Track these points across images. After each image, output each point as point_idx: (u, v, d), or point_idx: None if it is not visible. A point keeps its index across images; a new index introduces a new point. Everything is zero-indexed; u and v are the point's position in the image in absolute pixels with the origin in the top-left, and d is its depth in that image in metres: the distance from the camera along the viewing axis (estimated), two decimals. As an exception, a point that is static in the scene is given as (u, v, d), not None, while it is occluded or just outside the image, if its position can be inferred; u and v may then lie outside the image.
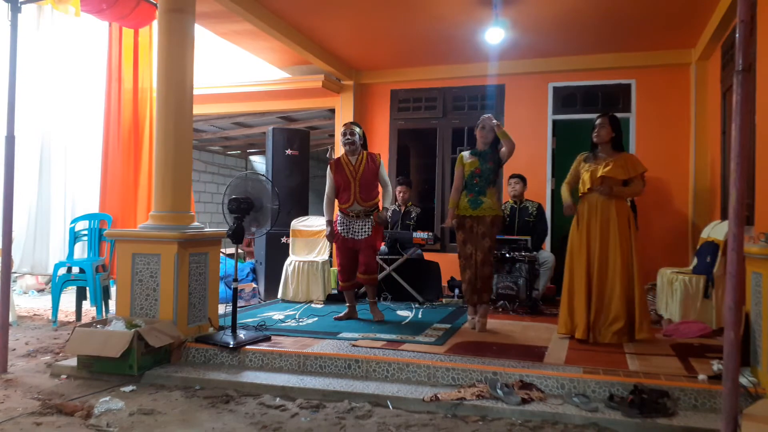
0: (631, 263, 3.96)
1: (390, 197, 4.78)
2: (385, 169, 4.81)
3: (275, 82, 7.55)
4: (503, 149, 4.34)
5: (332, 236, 4.82)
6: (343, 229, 4.72)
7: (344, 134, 4.70)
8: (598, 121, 4.11)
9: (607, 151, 4.09)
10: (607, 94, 6.85)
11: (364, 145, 4.82)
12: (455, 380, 3.34)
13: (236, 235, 3.93)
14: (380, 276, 5.49)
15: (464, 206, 4.43)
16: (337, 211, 4.87)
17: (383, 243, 5.02)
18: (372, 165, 4.71)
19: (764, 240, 3.04)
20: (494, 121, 4.38)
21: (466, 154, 4.53)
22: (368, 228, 4.66)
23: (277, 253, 6.25)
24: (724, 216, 5.40)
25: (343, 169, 4.71)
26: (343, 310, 4.96)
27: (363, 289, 5.78)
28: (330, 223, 4.83)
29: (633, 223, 4.07)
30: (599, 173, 4.00)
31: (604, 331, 3.92)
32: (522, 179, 5.94)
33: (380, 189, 4.81)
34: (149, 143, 5.60)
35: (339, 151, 7.68)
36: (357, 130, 4.73)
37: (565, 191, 4.25)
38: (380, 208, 4.80)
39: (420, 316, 5.05)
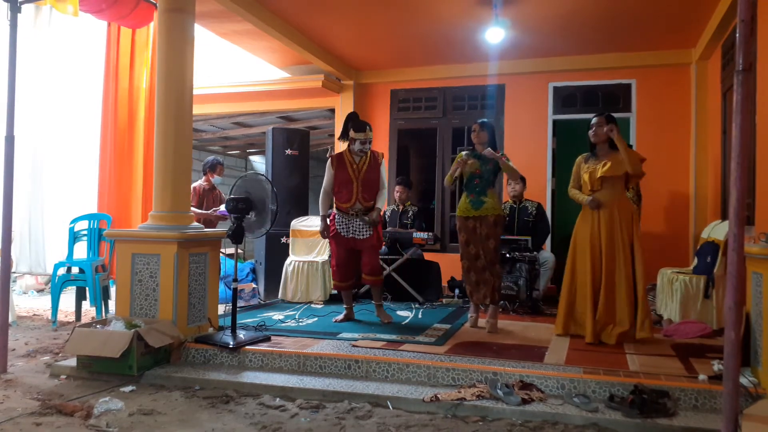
0: (635, 263, 3.96)
1: (384, 198, 4.68)
2: (385, 170, 4.72)
3: (275, 82, 7.55)
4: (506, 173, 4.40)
5: (326, 231, 4.71)
6: (342, 228, 4.62)
7: (363, 143, 4.50)
8: (594, 121, 4.12)
9: (605, 150, 4.10)
10: (608, 94, 6.85)
11: None
12: (455, 380, 3.33)
13: (236, 235, 3.93)
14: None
15: (466, 207, 4.43)
16: (333, 209, 4.77)
17: (384, 243, 4.96)
18: (374, 165, 4.62)
19: (765, 240, 3.04)
20: (489, 150, 4.31)
21: (465, 153, 4.52)
22: (368, 228, 4.58)
23: (276, 253, 6.24)
24: (724, 216, 5.39)
25: (345, 166, 4.58)
26: (343, 310, 4.92)
27: (362, 290, 5.78)
28: (324, 218, 4.73)
29: (637, 222, 4.07)
30: (599, 174, 4.01)
31: (611, 333, 3.91)
32: (521, 179, 5.93)
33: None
34: (143, 143, 5.59)
35: (339, 148, 7.70)
36: (371, 136, 4.59)
37: (576, 194, 4.24)
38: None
39: (420, 316, 5.04)
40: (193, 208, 5.73)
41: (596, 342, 3.91)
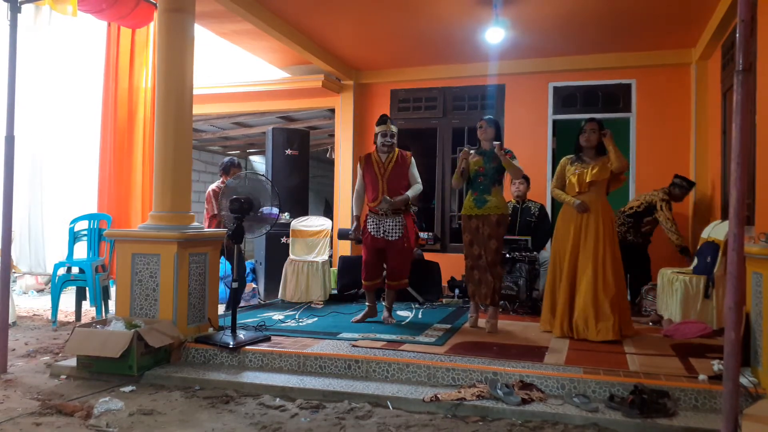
0: (617, 264, 4.10)
1: (416, 191, 4.65)
2: (416, 169, 4.72)
3: (275, 82, 7.54)
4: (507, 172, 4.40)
5: (358, 232, 4.72)
6: (373, 228, 4.62)
7: (384, 135, 4.57)
8: (587, 126, 4.24)
9: (592, 155, 4.25)
10: (608, 94, 6.85)
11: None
12: (455, 380, 3.33)
13: (236, 235, 3.93)
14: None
15: (470, 206, 4.44)
16: (366, 211, 4.77)
17: (416, 245, 4.85)
18: (402, 163, 4.63)
19: (765, 240, 3.04)
20: (498, 144, 4.31)
21: (471, 151, 4.51)
22: (399, 228, 4.58)
23: (277, 253, 6.24)
24: (724, 216, 5.39)
25: (371, 165, 4.64)
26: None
27: (361, 291, 5.78)
28: (357, 218, 4.75)
29: (615, 225, 4.22)
30: (588, 178, 4.14)
31: (594, 329, 3.99)
32: (526, 179, 5.93)
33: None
34: (142, 143, 5.59)
35: (338, 149, 7.70)
36: (395, 130, 4.63)
37: (561, 194, 4.32)
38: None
39: (420, 316, 5.04)
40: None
41: (573, 336, 4.04)
